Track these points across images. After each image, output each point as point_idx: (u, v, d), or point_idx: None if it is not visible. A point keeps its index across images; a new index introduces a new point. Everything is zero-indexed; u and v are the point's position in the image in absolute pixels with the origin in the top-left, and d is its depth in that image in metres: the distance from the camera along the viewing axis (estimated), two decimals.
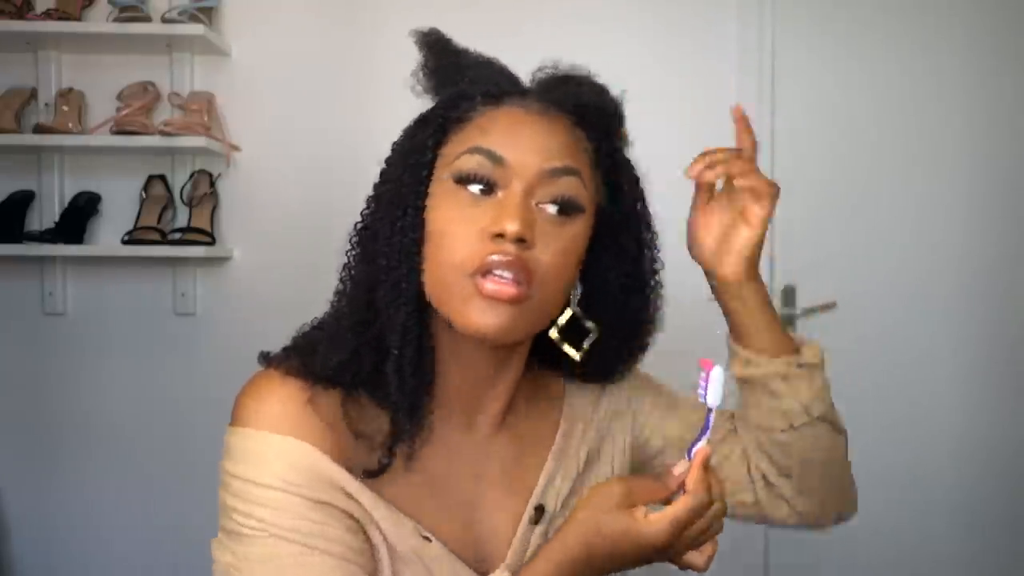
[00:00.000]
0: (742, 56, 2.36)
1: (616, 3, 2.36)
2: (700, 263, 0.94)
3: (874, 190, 2.40)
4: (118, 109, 2.24)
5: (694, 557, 0.80)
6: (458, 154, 0.82)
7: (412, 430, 0.83)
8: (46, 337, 2.35)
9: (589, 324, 0.89)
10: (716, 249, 0.92)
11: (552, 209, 0.82)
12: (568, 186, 0.82)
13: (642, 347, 0.95)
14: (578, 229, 0.83)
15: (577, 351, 0.88)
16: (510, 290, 0.78)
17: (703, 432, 0.78)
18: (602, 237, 0.88)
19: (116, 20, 2.20)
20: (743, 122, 0.96)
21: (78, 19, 2.25)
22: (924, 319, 2.41)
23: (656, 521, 0.76)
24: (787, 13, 2.36)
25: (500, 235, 0.78)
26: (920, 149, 2.40)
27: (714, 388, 0.77)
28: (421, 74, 0.89)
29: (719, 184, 0.94)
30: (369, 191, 0.89)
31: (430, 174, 0.84)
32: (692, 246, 0.94)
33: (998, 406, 2.41)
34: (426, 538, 0.83)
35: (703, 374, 0.78)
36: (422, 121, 0.87)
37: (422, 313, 0.83)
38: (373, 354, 0.82)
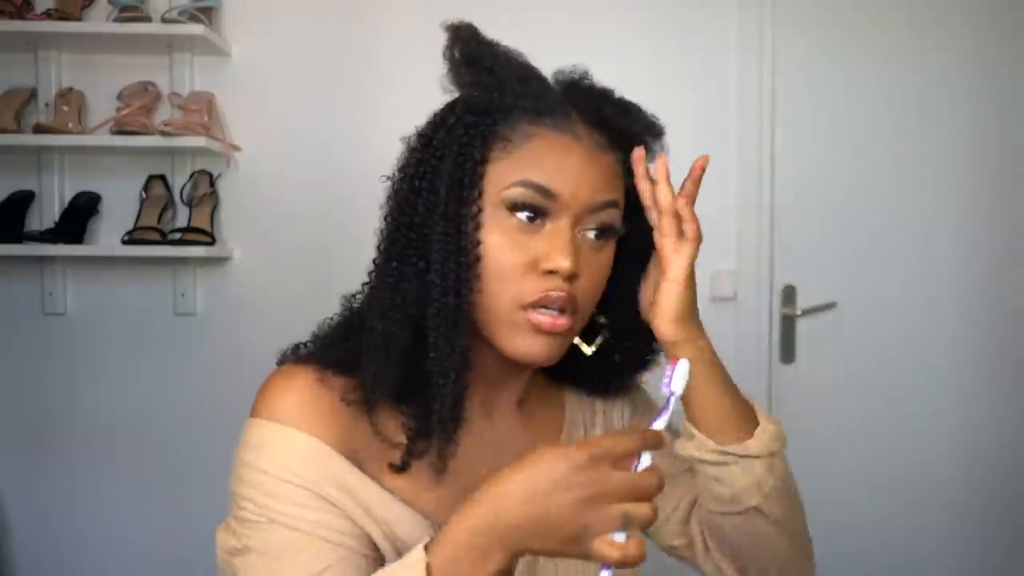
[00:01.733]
0: (742, 56, 2.36)
1: (616, 3, 2.36)
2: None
3: (874, 190, 2.40)
4: (118, 109, 2.24)
5: (605, 547, 0.66)
6: (509, 183, 0.82)
7: (446, 444, 0.85)
8: (46, 337, 2.35)
9: (602, 319, 0.92)
10: (651, 306, 0.88)
11: (592, 235, 0.85)
12: (610, 215, 0.85)
13: (642, 362, 0.96)
14: (611, 250, 0.87)
15: (589, 345, 0.92)
16: (562, 323, 0.82)
17: (661, 413, 0.73)
18: (621, 249, 0.89)
19: (116, 20, 2.20)
20: (698, 172, 0.89)
21: (78, 19, 2.24)
22: (924, 319, 2.40)
23: (581, 441, 0.68)
24: (787, 13, 2.36)
25: (552, 271, 0.81)
26: (920, 149, 2.40)
27: (679, 377, 0.75)
28: (455, 70, 0.87)
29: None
30: (377, 186, 0.88)
31: (481, 194, 0.83)
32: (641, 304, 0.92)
33: (998, 406, 2.41)
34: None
35: (670, 368, 0.76)
36: (464, 128, 0.84)
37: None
38: (419, 373, 0.83)
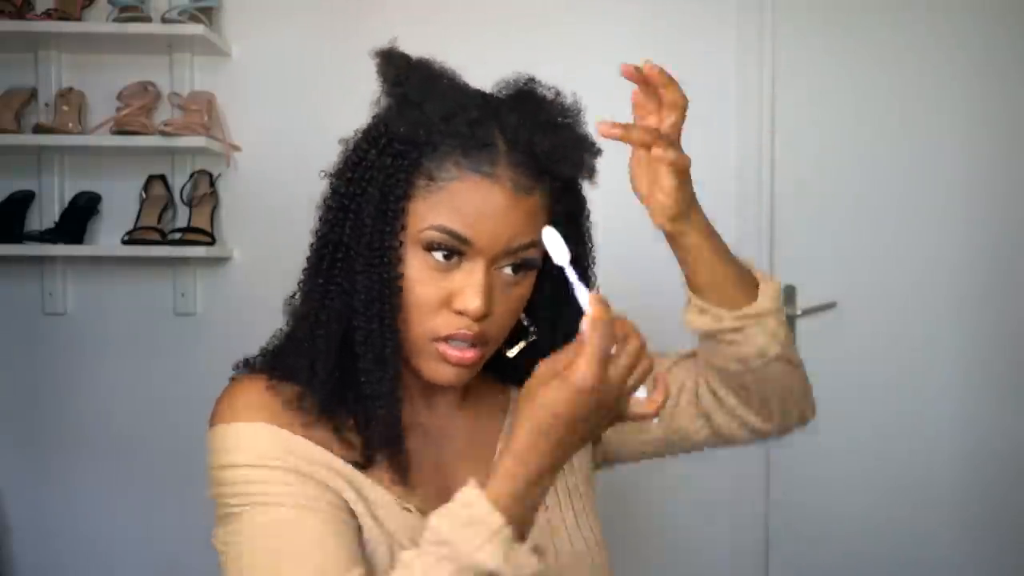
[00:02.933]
0: (742, 56, 2.36)
1: (615, 3, 2.36)
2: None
3: (874, 190, 2.40)
4: (118, 109, 2.24)
5: (639, 407, 0.79)
6: (427, 226, 0.85)
7: (391, 448, 0.88)
8: (46, 337, 2.35)
9: (525, 322, 0.94)
10: (647, 195, 0.91)
11: (509, 271, 0.87)
12: (528, 254, 0.87)
13: None
14: (528, 282, 0.90)
15: (510, 348, 0.94)
16: (469, 355, 0.87)
17: (573, 289, 0.77)
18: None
19: (116, 20, 2.20)
20: (660, 77, 0.90)
21: (78, 19, 2.24)
22: (924, 319, 2.40)
23: (576, 366, 0.73)
24: (787, 13, 2.36)
25: (463, 312, 0.85)
26: (921, 149, 2.40)
27: (554, 248, 0.78)
28: (384, 98, 0.91)
29: None
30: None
31: (404, 228, 0.86)
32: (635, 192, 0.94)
33: (998, 406, 2.41)
34: (407, 509, 0.88)
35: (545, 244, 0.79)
36: (391, 158, 0.86)
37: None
38: (354, 383, 0.88)
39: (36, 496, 2.36)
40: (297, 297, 0.95)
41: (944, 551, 2.40)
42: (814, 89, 2.39)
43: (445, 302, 0.85)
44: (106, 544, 2.35)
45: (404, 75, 0.89)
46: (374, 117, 0.91)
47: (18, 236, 2.24)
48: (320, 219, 0.91)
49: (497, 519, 0.72)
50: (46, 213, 2.31)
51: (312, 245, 0.91)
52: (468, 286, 0.84)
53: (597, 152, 0.89)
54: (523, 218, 0.85)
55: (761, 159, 2.36)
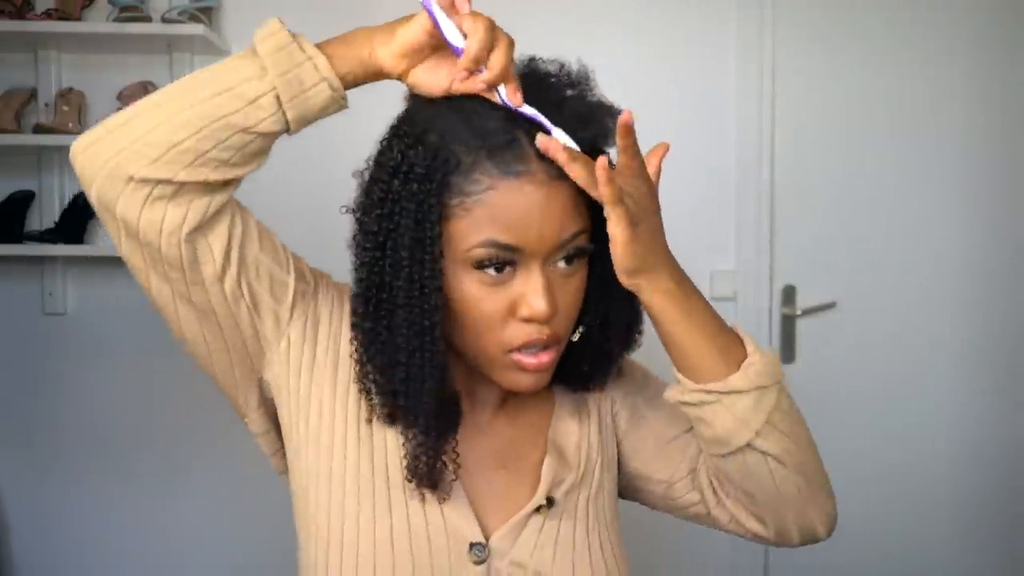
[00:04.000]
0: (742, 56, 2.36)
1: (615, 3, 2.36)
2: None
3: (874, 190, 2.40)
4: (118, 109, 2.23)
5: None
6: (473, 244, 0.82)
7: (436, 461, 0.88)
8: (46, 337, 2.35)
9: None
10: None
11: (563, 264, 0.85)
12: (578, 242, 0.85)
13: (613, 354, 0.96)
14: (584, 269, 0.87)
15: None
16: (545, 360, 0.85)
17: (455, 50, 0.81)
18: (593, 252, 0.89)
19: (116, 20, 2.20)
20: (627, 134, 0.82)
21: (78, 19, 2.25)
22: (924, 319, 2.41)
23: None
24: (787, 13, 2.36)
25: (531, 317, 0.83)
26: (921, 149, 2.40)
27: (446, 29, 0.82)
28: (396, 125, 0.88)
29: None
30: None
31: (442, 253, 0.83)
32: None
33: (998, 406, 2.41)
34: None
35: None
36: (418, 183, 0.82)
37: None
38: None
39: (36, 496, 2.36)
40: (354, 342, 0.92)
41: (944, 551, 2.40)
42: (814, 89, 2.39)
43: (510, 311, 0.83)
44: (105, 543, 2.35)
45: (412, 107, 0.87)
46: (383, 142, 0.88)
47: (18, 236, 2.24)
48: (357, 261, 0.89)
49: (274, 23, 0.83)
50: (46, 213, 2.31)
51: (356, 290, 0.90)
52: (529, 291, 0.83)
53: (617, 112, 0.83)
54: (566, 206, 0.83)
55: (761, 158, 2.36)
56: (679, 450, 0.97)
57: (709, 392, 0.83)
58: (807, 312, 2.37)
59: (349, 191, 0.94)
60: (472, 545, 0.89)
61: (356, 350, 0.89)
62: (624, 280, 0.82)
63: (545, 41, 2.45)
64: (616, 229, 0.78)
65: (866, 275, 2.40)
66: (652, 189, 0.83)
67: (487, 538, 0.90)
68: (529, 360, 0.85)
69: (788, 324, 2.39)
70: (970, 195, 2.41)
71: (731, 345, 0.85)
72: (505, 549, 0.90)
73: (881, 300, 2.40)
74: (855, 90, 2.39)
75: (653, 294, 0.82)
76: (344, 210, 0.91)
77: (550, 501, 0.92)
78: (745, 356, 0.84)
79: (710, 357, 0.83)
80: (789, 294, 2.39)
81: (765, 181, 2.36)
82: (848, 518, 2.53)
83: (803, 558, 2.38)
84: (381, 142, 0.89)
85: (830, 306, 2.39)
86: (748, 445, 0.84)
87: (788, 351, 2.38)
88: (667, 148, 0.86)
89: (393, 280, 0.84)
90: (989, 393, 2.41)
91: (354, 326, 0.89)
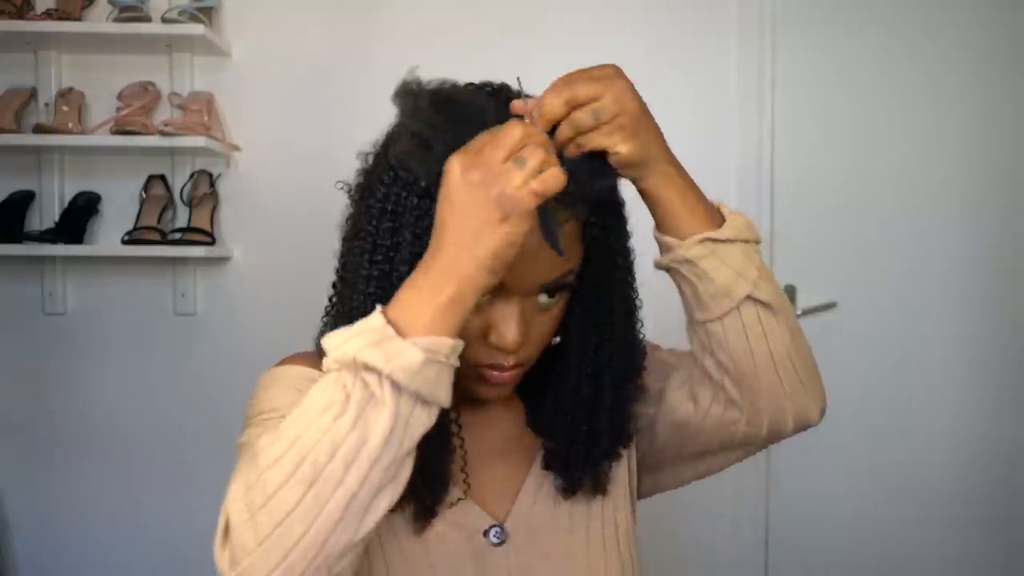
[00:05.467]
0: (742, 55, 2.36)
1: (615, 3, 2.36)
2: None
3: (874, 190, 2.40)
4: (118, 109, 2.24)
5: (518, 190, 0.72)
6: None
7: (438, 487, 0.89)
8: (46, 337, 2.35)
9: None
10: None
11: (544, 298, 0.86)
12: (563, 280, 0.85)
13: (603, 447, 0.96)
14: (563, 302, 0.88)
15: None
16: (509, 376, 0.87)
17: None
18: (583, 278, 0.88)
19: (116, 20, 2.20)
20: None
21: (78, 19, 2.25)
22: (924, 319, 2.40)
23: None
24: (787, 13, 2.36)
25: (499, 346, 0.84)
26: (921, 148, 2.40)
27: None
28: (400, 135, 0.84)
29: None
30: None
31: None
32: None
33: (999, 405, 2.41)
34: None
35: None
36: (417, 199, 0.81)
37: None
38: None
39: (36, 496, 2.36)
40: (328, 321, 0.93)
41: (944, 551, 2.40)
42: (814, 89, 2.39)
43: (482, 333, 0.84)
44: (106, 543, 2.35)
45: (423, 109, 0.83)
46: (388, 139, 0.86)
47: (18, 236, 2.24)
48: (347, 252, 0.88)
49: (377, 319, 0.70)
50: (46, 213, 2.31)
51: (336, 291, 0.90)
52: (502, 321, 0.83)
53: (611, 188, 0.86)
54: (552, 251, 0.80)
55: (761, 158, 2.36)
56: (653, 391, 0.98)
57: (706, 240, 0.84)
58: (807, 312, 2.37)
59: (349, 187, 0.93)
60: (487, 530, 0.91)
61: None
62: (629, 172, 0.83)
63: (544, 42, 2.44)
64: (619, 148, 0.80)
65: (866, 275, 2.40)
66: (615, 89, 0.81)
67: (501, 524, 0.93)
68: (493, 374, 0.86)
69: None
70: (971, 194, 2.41)
71: (713, 211, 0.87)
72: (520, 528, 0.93)
73: (882, 300, 2.40)
74: (856, 90, 2.39)
75: (652, 176, 0.84)
76: (339, 185, 0.92)
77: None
78: (724, 219, 0.87)
79: (699, 218, 0.85)
80: (789, 294, 2.38)
81: (765, 181, 2.36)
82: (848, 517, 2.54)
83: (803, 558, 2.38)
84: (389, 138, 0.87)
85: (830, 306, 2.38)
86: (748, 297, 0.86)
87: None
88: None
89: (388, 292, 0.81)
90: (990, 392, 2.41)
91: (332, 314, 0.91)
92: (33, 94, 2.30)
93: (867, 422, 2.38)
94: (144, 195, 2.31)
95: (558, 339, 0.93)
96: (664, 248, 0.87)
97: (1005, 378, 2.41)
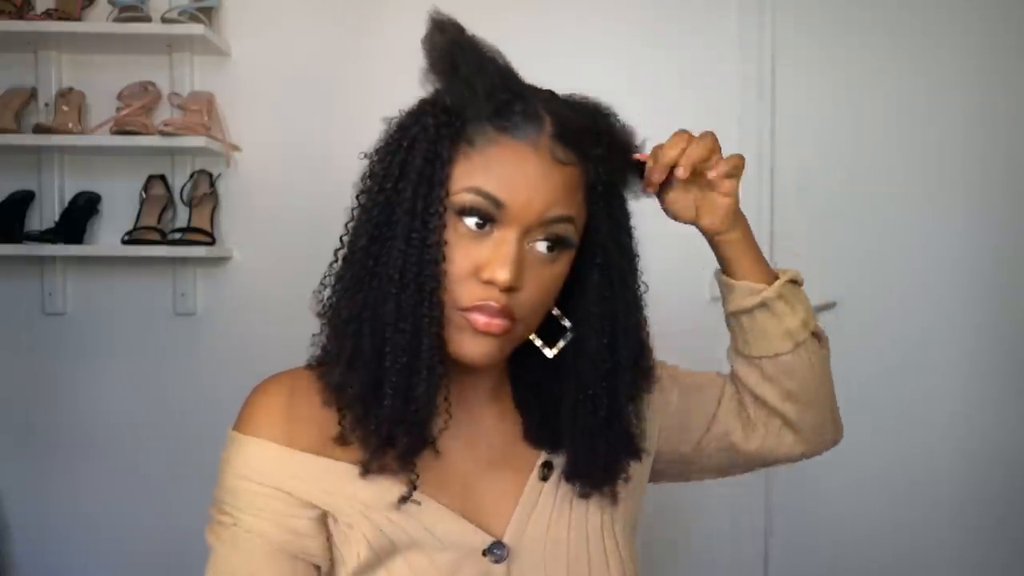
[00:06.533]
0: (742, 55, 2.36)
1: (616, 3, 2.36)
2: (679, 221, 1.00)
3: (875, 190, 2.40)
4: (118, 109, 2.24)
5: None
6: (461, 188, 0.82)
7: (421, 440, 0.86)
8: (46, 337, 2.35)
9: (566, 323, 0.92)
10: (694, 214, 0.98)
11: (542, 247, 0.84)
12: (562, 229, 0.85)
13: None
14: (564, 264, 0.87)
15: (551, 348, 0.91)
16: (497, 323, 0.83)
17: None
18: (585, 257, 0.89)
19: (116, 20, 2.20)
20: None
21: (78, 19, 2.25)
22: (925, 319, 2.41)
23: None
24: (787, 13, 2.36)
25: (490, 282, 0.82)
26: (921, 148, 2.40)
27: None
28: (430, 66, 0.88)
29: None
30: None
31: (448, 194, 0.83)
32: (667, 212, 0.99)
33: (999, 405, 2.42)
34: (416, 502, 0.86)
35: None
36: (435, 128, 0.84)
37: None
38: (392, 391, 0.84)
39: (36, 496, 2.36)
40: (330, 285, 0.91)
41: (944, 550, 2.40)
42: (814, 89, 2.39)
43: (474, 272, 0.82)
44: (105, 543, 2.35)
45: (453, 44, 0.87)
46: (412, 107, 0.89)
47: (18, 236, 2.24)
48: (361, 194, 0.87)
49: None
50: (46, 213, 2.32)
51: (350, 223, 0.88)
52: (497, 256, 0.82)
53: (637, 148, 0.92)
54: (560, 188, 0.83)
55: (761, 159, 2.36)
56: (698, 412, 1.03)
57: (787, 284, 1.00)
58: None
59: (349, 193, 0.93)
60: (487, 550, 0.89)
61: (345, 289, 0.88)
62: (725, 223, 0.98)
63: (546, 39, 2.44)
64: (731, 187, 0.98)
65: (866, 275, 2.40)
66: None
67: (500, 538, 0.90)
68: (479, 318, 0.82)
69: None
70: (971, 194, 2.41)
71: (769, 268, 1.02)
72: (519, 536, 0.91)
73: (882, 300, 2.40)
74: (856, 90, 2.39)
75: (739, 225, 0.99)
76: (362, 155, 0.90)
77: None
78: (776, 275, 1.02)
79: (768, 268, 1.01)
80: None
81: (765, 182, 2.36)
82: (848, 516, 2.54)
83: (803, 557, 2.38)
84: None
85: (831, 306, 2.38)
86: (815, 330, 1.00)
87: None
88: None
89: (395, 212, 0.83)
90: (990, 392, 2.41)
91: (342, 265, 0.90)
92: (33, 94, 2.30)
93: (867, 422, 2.37)
94: (144, 195, 2.31)
95: (555, 351, 0.91)
96: (743, 291, 0.98)
97: (1005, 378, 2.41)
